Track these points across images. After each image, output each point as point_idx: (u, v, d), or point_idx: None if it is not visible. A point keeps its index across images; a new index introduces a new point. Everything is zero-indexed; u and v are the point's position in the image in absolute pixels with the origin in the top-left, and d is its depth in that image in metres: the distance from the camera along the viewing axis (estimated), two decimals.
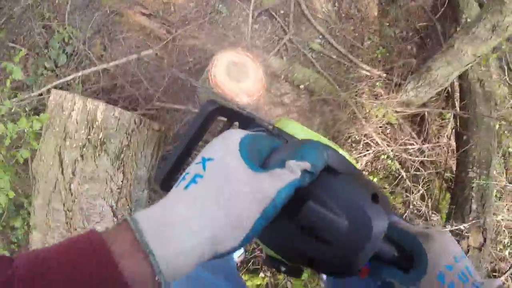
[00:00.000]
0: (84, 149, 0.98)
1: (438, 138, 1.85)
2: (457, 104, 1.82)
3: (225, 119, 0.46)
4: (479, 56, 1.37)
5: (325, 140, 0.49)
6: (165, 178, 0.43)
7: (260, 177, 0.33)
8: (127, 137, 1.01)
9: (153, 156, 1.12)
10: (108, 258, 0.27)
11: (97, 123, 0.96)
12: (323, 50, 1.98)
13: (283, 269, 0.52)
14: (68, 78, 1.50)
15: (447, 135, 1.80)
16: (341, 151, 0.47)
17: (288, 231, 0.43)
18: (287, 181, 0.33)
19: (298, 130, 0.52)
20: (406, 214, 1.58)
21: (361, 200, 0.43)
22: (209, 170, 0.33)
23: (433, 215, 1.50)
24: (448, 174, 1.75)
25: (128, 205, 1.04)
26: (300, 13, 2.05)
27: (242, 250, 1.48)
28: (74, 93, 0.97)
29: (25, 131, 0.99)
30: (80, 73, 1.60)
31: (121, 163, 1.02)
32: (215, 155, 0.34)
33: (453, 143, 1.78)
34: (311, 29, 2.04)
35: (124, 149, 1.02)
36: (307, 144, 0.39)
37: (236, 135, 0.36)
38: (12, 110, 1.13)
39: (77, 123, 0.96)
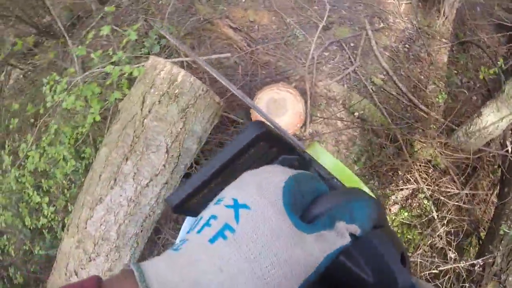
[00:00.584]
0: (162, 97, 1.39)
1: (478, 187, 1.92)
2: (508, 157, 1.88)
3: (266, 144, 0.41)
4: None
5: (354, 178, 0.49)
6: (180, 203, 0.37)
7: (307, 239, 0.28)
8: (194, 98, 1.42)
9: (208, 120, 1.52)
10: None
11: (176, 82, 1.38)
12: (384, 86, 2.17)
13: None
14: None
15: (490, 184, 1.86)
16: (363, 186, 0.47)
17: (314, 286, 0.38)
18: (336, 247, 0.30)
19: (328, 160, 0.50)
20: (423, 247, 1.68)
21: (391, 261, 0.40)
22: (244, 225, 0.27)
23: (450, 251, 1.60)
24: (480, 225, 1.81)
25: (179, 148, 1.41)
26: (369, 48, 2.28)
27: None
28: (165, 60, 1.38)
29: (121, 79, 1.45)
30: (169, 60, 1.99)
31: (185, 115, 1.41)
32: (252, 203, 0.28)
33: (493, 196, 1.84)
34: (377, 64, 2.24)
35: (190, 106, 1.42)
36: (357, 200, 0.35)
37: (278, 176, 0.31)
38: (123, 58, 1.58)
39: (163, 79, 1.37)
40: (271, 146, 0.38)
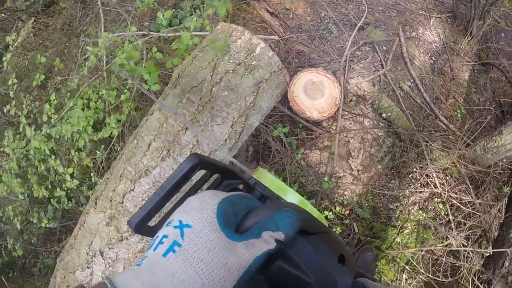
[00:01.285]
0: (238, 66, 1.36)
1: (488, 199, 2.10)
2: None
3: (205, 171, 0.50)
4: None
5: (296, 196, 0.58)
6: (139, 223, 0.46)
7: (238, 246, 0.38)
8: (269, 73, 1.39)
9: (275, 99, 1.50)
10: None
11: (254, 53, 1.36)
12: (410, 92, 2.33)
13: None
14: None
15: (497, 196, 2.05)
16: (309, 207, 0.56)
17: (256, 286, 0.48)
18: (263, 251, 0.39)
19: (272, 183, 0.59)
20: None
21: (328, 261, 0.49)
22: (187, 240, 0.36)
23: (464, 252, 1.76)
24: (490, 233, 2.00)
25: (244, 123, 1.40)
26: (399, 55, 2.43)
27: None
28: (244, 28, 1.39)
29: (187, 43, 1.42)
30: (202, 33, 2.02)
31: (257, 89, 1.39)
32: (193, 223, 0.37)
33: (503, 206, 2.03)
34: (405, 71, 2.40)
35: (264, 81, 1.39)
36: (282, 212, 0.43)
37: (213, 199, 0.40)
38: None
39: (240, 47, 1.36)
40: (213, 172, 0.50)
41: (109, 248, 1.35)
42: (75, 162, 1.92)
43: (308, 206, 0.57)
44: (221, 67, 1.38)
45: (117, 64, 1.52)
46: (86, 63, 1.82)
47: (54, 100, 1.86)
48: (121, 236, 1.33)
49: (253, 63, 1.38)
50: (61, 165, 1.87)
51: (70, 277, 1.46)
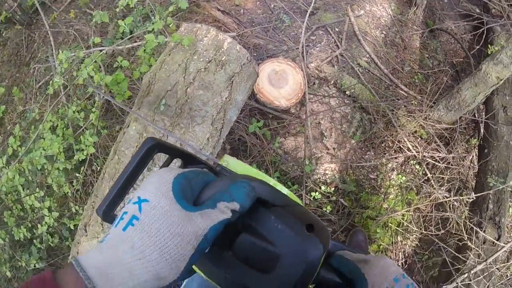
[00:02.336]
0: (209, 63, 1.42)
1: (461, 151, 2.32)
2: (481, 126, 2.30)
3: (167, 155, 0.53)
4: (501, 79, 1.88)
5: (262, 176, 0.60)
6: (106, 210, 0.48)
7: (193, 216, 0.41)
8: (239, 67, 1.46)
9: (248, 90, 1.58)
10: None
11: (222, 49, 1.44)
12: (369, 67, 2.52)
13: None
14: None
15: (467, 148, 2.27)
16: (279, 186, 0.58)
17: (227, 262, 0.51)
18: (218, 220, 0.43)
19: (239, 167, 0.61)
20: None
21: (295, 230, 0.50)
22: (145, 213, 0.40)
23: (449, 203, 1.95)
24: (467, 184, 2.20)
25: (223, 119, 1.48)
26: (352, 33, 2.62)
27: None
28: (208, 26, 1.46)
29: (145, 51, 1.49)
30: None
31: (230, 84, 1.44)
32: (150, 197, 0.41)
33: (475, 156, 2.25)
34: (360, 48, 2.60)
35: (235, 74, 1.45)
36: (236, 184, 0.47)
37: (169, 175, 0.44)
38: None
39: (207, 45, 1.43)
40: (173, 157, 0.54)
41: None
42: (51, 195, 1.95)
43: (272, 182, 0.60)
44: (192, 66, 1.44)
45: (83, 77, 1.58)
46: (46, 87, 1.85)
47: (18, 132, 1.88)
48: None
49: (223, 59, 1.46)
50: (36, 201, 1.89)
51: None
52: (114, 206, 0.48)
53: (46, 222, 1.90)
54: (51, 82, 2.00)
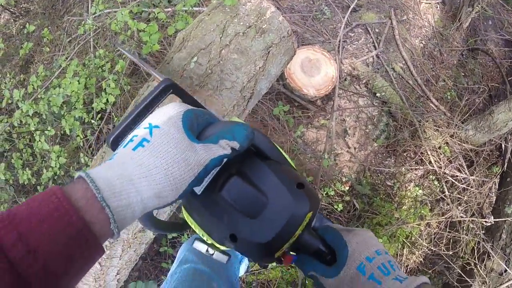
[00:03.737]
0: (249, 29, 1.39)
1: (481, 176, 2.30)
2: (508, 154, 2.29)
3: (178, 98, 0.57)
4: None
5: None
6: (114, 139, 0.51)
7: (197, 147, 0.46)
8: (279, 38, 1.43)
9: (283, 65, 1.57)
10: (76, 216, 0.37)
11: (264, 17, 1.44)
12: (403, 74, 2.51)
13: (212, 251, 0.69)
14: None
15: (488, 174, 2.25)
16: (284, 153, 0.63)
17: (216, 204, 0.55)
18: (218, 154, 0.48)
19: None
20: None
21: (286, 183, 0.55)
22: (155, 137, 0.45)
23: (463, 224, 1.94)
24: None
25: (253, 88, 1.48)
26: (391, 37, 2.61)
27: (246, 267, 1.82)
28: None
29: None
30: None
31: (267, 54, 1.44)
32: (161, 124, 0.46)
33: (494, 185, 2.23)
34: (397, 53, 2.58)
35: (273, 45, 1.43)
36: (238, 126, 0.51)
37: (180, 108, 0.49)
38: None
39: (250, 10, 1.44)
40: (183, 101, 0.58)
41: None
42: (64, 146, 1.94)
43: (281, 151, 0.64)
44: (231, 29, 1.42)
45: (118, 19, 1.57)
46: (77, 41, 1.85)
47: (41, 72, 1.88)
48: None
49: (263, 27, 1.45)
50: (45, 142, 1.88)
51: None
52: (123, 136, 0.51)
53: (52, 168, 1.90)
54: (82, 23, 1.99)
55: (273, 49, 1.50)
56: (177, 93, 0.56)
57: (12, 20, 2.83)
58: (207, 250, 0.71)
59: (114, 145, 0.51)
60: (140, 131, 0.46)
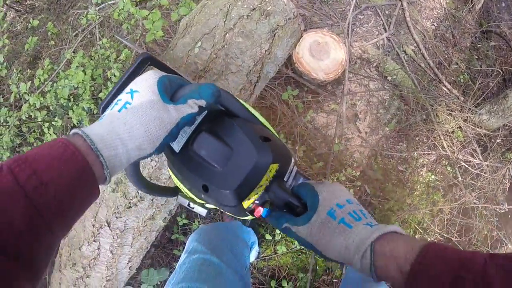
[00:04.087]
0: (253, 11, 1.37)
1: (494, 162, 2.26)
2: None
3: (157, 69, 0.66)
4: None
5: (253, 110, 0.71)
6: (104, 106, 0.61)
7: (170, 108, 0.55)
8: (284, 20, 1.40)
9: (290, 47, 1.53)
10: (81, 156, 0.46)
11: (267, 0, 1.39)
12: (415, 57, 2.46)
13: (192, 206, 0.76)
14: None
15: (505, 160, 2.21)
16: (257, 114, 0.71)
17: (189, 158, 0.63)
18: (187, 113, 0.56)
19: None
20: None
21: (250, 137, 0.61)
22: (135, 100, 0.54)
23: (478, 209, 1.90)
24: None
25: (259, 72, 1.44)
26: (402, 19, 2.55)
27: (256, 253, 1.85)
28: None
29: None
30: None
31: (272, 37, 1.40)
32: (140, 89, 0.55)
33: (508, 172, 2.19)
34: (408, 35, 2.53)
35: (279, 28, 1.40)
36: (205, 86, 0.59)
37: (156, 75, 0.57)
38: None
39: None
40: (159, 69, 0.66)
41: (116, 218, 1.35)
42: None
43: (257, 114, 0.72)
44: (235, 12, 1.38)
45: (120, 7, 1.54)
46: (82, 35, 1.83)
47: (47, 66, 1.87)
48: (129, 203, 1.33)
49: (268, 9, 1.40)
50: (55, 135, 1.86)
51: (76, 254, 1.44)
52: (112, 103, 0.59)
53: None
54: (85, 13, 1.97)
55: (279, 32, 1.46)
56: (154, 64, 0.65)
57: (18, 18, 2.82)
58: (188, 205, 0.77)
59: (104, 111, 0.59)
60: (123, 96, 0.55)
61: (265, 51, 1.43)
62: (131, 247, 1.48)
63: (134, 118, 0.53)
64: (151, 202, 1.36)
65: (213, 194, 0.63)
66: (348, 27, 2.39)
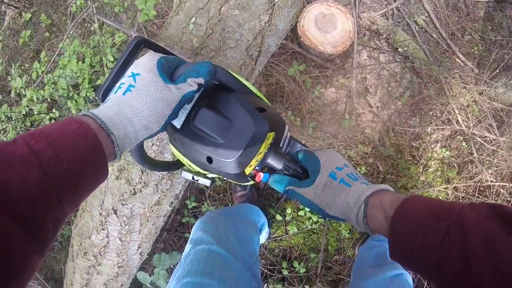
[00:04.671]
0: None
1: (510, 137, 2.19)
2: None
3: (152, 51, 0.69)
4: None
5: (248, 83, 0.76)
6: (104, 92, 0.63)
7: (171, 87, 0.59)
8: None
9: (291, 19, 1.44)
10: (93, 133, 0.49)
11: None
12: (426, 27, 2.36)
13: (196, 178, 0.80)
14: None
15: None
16: (250, 86, 0.75)
17: (192, 132, 0.68)
18: (187, 91, 0.61)
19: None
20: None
21: (246, 108, 0.67)
22: (138, 83, 0.58)
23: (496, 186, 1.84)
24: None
25: (259, 46, 1.36)
26: None
27: (267, 234, 1.83)
28: None
29: None
30: None
31: (271, 7, 1.32)
32: (141, 72, 0.58)
33: None
34: (419, 5, 2.43)
35: None
36: (201, 63, 0.62)
37: (154, 56, 0.61)
38: None
39: None
40: (155, 51, 0.68)
41: (122, 205, 1.34)
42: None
43: (252, 87, 0.76)
44: None
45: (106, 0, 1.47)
46: (82, 24, 1.78)
47: (44, 58, 1.83)
48: (134, 189, 1.32)
49: None
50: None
51: (86, 243, 1.44)
52: (111, 88, 0.62)
53: None
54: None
55: (278, 1, 1.37)
56: (149, 46, 0.68)
57: (17, 15, 2.77)
58: (192, 178, 0.80)
59: (104, 97, 0.62)
60: (125, 79, 0.59)
61: (265, 23, 1.36)
62: (139, 233, 1.46)
63: (139, 100, 0.56)
64: (156, 188, 1.33)
65: (217, 164, 0.68)
66: None
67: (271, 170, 0.73)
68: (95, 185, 0.51)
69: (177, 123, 0.68)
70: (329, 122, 1.99)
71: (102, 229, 1.39)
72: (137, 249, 1.51)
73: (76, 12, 1.98)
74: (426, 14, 2.43)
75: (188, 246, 1.12)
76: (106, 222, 1.37)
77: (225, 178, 0.74)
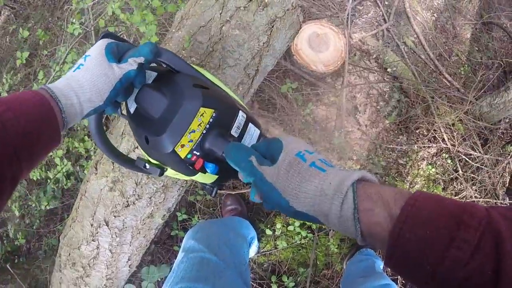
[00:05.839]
0: (250, 2, 1.36)
1: (494, 155, 2.30)
2: None
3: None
4: None
5: (208, 74, 0.81)
6: None
7: (114, 66, 0.68)
8: (282, 11, 1.40)
9: (289, 40, 1.52)
10: (47, 102, 0.59)
11: None
12: (415, 48, 2.49)
13: (147, 166, 0.79)
14: None
15: (505, 153, 2.26)
16: (208, 75, 0.81)
17: (139, 118, 0.73)
18: (127, 70, 0.69)
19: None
20: None
21: (183, 83, 0.71)
22: (87, 62, 0.67)
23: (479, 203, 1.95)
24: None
25: (257, 65, 1.44)
26: (402, 9, 2.58)
27: (256, 248, 1.89)
28: None
29: None
30: None
31: (270, 29, 1.39)
32: (91, 53, 0.68)
33: (508, 165, 2.24)
34: (408, 26, 2.56)
35: (277, 19, 1.40)
36: (144, 45, 0.70)
37: (105, 41, 0.71)
38: None
39: None
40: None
41: (114, 217, 1.35)
42: (73, 136, 1.95)
43: (208, 75, 0.80)
44: (231, 3, 1.38)
45: (109, 13, 1.54)
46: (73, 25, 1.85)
47: (42, 79, 1.88)
48: (127, 201, 1.33)
49: (266, 0, 1.42)
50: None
51: (75, 253, 1.45)
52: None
53: (58, 170, 1.91)
54: (71, 20, 1.99)
55: (277, 23, 1.46)
56: (114, 39, 0.74)
57: (12, 16, 2.84)
58: (144, 166, 0.81)
59: None
60: (79, 60, 0.68)
61: (263, 43, 1.43)
62: (130, 245, 1.49)
63: (84, 75, 0.66)
64: (149, 200, 1.37)
65: (152, 144, 0.70)
66: (348, 18, 2.41)
67: (220, 162, 0.69)
68: (49, 147, 0.61)
69: (132, 109, 0.75)
70: (319, 139, 2.09)
71: (93, 240, 1.42)
72: (127, 261, 1.54)
73: (73, 33, 2.04)
74: (415, 36, 2.56)
75: (180, 254, 1.18)
76: (97, 233, 1.40)
77: (169, 168, 0.75)
